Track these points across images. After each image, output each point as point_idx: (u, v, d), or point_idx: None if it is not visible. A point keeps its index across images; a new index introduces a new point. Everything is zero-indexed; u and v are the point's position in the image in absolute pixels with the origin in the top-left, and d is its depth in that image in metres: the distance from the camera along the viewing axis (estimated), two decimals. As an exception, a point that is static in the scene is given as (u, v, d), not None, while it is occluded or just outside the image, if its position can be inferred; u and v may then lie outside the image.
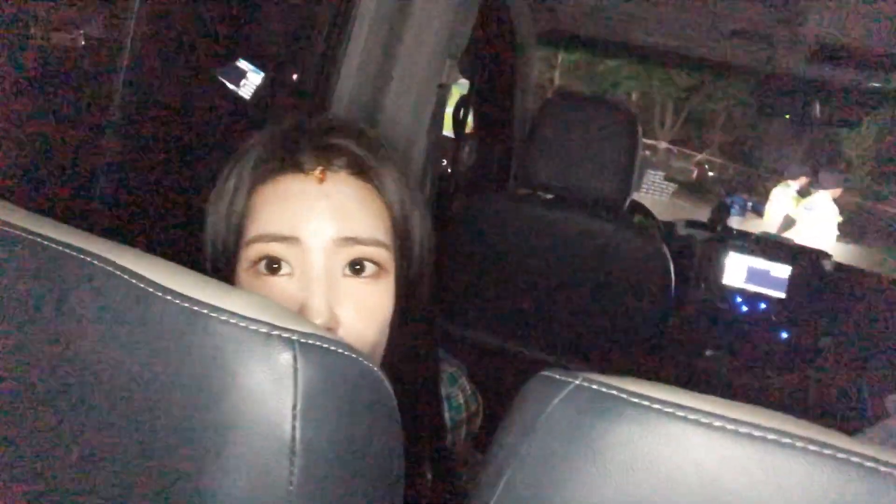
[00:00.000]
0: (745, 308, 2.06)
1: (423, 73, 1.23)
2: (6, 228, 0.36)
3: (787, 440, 0.27)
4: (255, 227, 0.56)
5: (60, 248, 0.35)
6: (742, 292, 2.06)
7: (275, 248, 0.55)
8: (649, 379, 0.31)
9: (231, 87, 1.37)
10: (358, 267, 0.56)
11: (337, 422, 0.33)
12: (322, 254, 0.55)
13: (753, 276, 2.08)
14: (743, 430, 0.28)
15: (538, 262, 1.37)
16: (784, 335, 2.03)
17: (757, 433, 0.28)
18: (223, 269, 0.59)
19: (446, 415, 0.72)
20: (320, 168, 0.57)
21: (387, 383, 0.36)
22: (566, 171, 1.33)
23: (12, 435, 0.35)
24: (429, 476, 0.65)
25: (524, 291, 1.40)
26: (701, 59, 2.07)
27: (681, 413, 0.29)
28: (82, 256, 0.34)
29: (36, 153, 0.81)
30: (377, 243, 0.57)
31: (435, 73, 1.26)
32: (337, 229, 0.55)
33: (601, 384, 0.30)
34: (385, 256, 0.58)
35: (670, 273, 1.30)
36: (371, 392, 0.35)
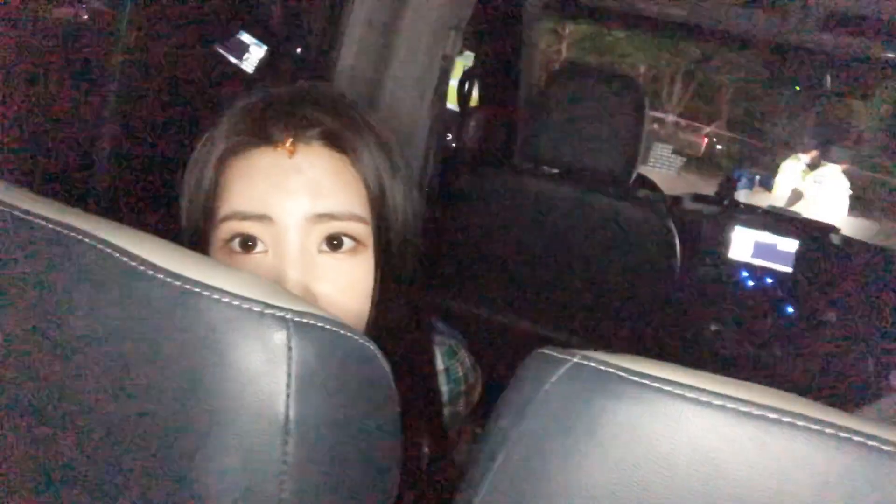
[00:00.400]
0: (751, 282, 2.05)
1: (426, 45, 1.21)
2: None
3: (788, 419, 0.27)
4: (227, 205, 0.55)
5: (44, 223, 0.34)
6: (748, 266, 2.04)
7: (247, 227, 0.54)
8: (654, 354, 0.30)
9: (233, 60, 1.35)
10: (336, 242, 0.55)
11: (331, 400, 0.32)
12: (297, 231, 0.53)
13: (760, 250, 2.06)
14: (743, 408, 0.27)
15: (542, 236, 1.36)
16: (790, 310, 2.02)
17: (757, 412, 0.27)
18: (199, 246, 0.58)
19: (444, 388, 0.71)
20: (290, 140, 0.54)
21: (382, 360, 0.36)
22: (571, 144, 1.31)
23: (3, 413, 0.35)
24: (425, 450, 0.64)
25: (528, 266, 1.40)
26: (711, 30, 2.03)
27: (679, 391, 0.28)
28: (67, 232, 0.33)
29: (35, 129, 0.81)
30: (353, 218, 0.55)
31: (439, 45, 1.24)
32: (311, 206, 0.54)
33: (599, 362, 0.30)
34: (362, 230, 0.56)
35: (675, 247, 1.29)
36: (366, 369, 0.35)
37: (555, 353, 0.31)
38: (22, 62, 0.72)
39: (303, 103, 0.57)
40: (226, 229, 0.55)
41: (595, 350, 0.31)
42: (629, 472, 0.28)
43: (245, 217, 0.54)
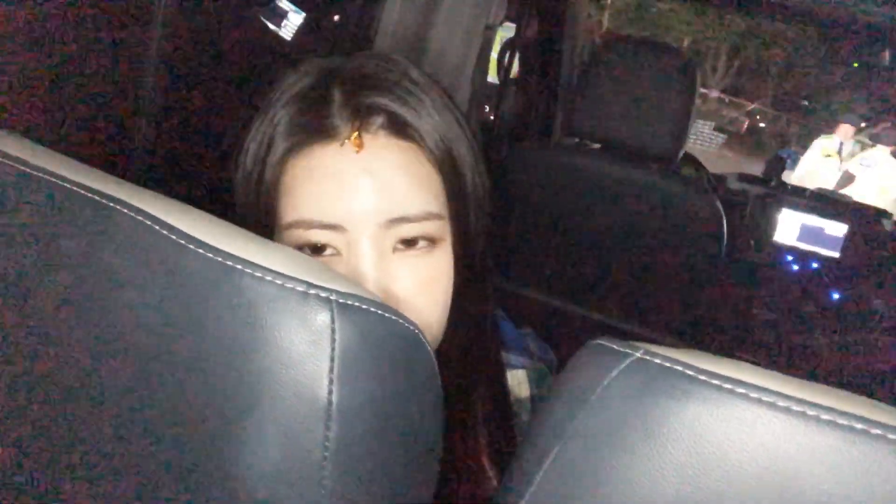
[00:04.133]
0: (795, 267, 1.99)
1: (469, 13, 1.17)
2: (26, 169, 0.35)
3: (877, 430, 0.24)
4: (292, 211, 0.51)
5: (85, 192, 0.33)
6: (794, 250, 1.98)
7: (316, 235, 0.51)
8: (694, 338, 0.28)
9: (272, 27, 1.33)
10: (411, 240, 0.52)
11: (375, 385, 0.31)
12: (370, 241, 0.50)
13: (807, 233, 1.99)
14: (825, 416, 0.25)
15: (583, 213, 1.33)
16: (835, 296, 1.96)
17: (841, 420, 0.25)
18: None
19: (526, 417, 0.65)
20: (356, 134, 0.50)
21: (427, 344, 0.34)
22: (617, 119, 1.27)
23: (40, 386, 0.34)
24: (494, 483, 0.58)
25: (567, 244, 1.37)
26: (760, 2, 1.94)
27: (755, 395, 0.26)
28: (109, 203, 0.32)
29: (71, 97, 0.80)
30: (429, 217, 0.52)
31: (481, 15, 1.21)
32: (385, 212, 0.50)
33: (665, 358, 0.28)
34: (438, 227, 0.52)
35: (723, 229, 1.25)
36: (410, 353, 0.33)
37: (615, 346, 0.29)
38: (55, 38, 0.71)
39: (365, 86, 0.52)
40: (293, 237, 0.51)
41: (630, 328, 0.29)
42: (694, 479, 0.26)
43: (313, 226, 0.50)
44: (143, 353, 0.31)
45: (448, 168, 0.53)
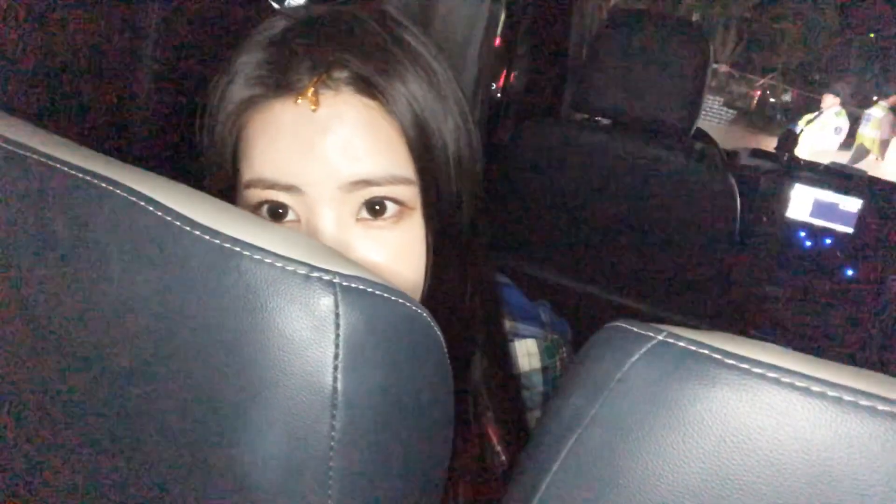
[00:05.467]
0: (809, 243, 1.96)
1: (474, -13, 1.14)
2: (14, 149, 0.33)
3: (921, 417, 0.23)
4: (249, 170, 0.48)
5: (75, 172, 0.31)
6: (807, 226, 1.95)
7: (274, 195, 0.48)
8: (707, 316, 0.26)
9: (275, 6, 1.31)
10: (377, 208, 0.48)
11: (382, 372, 0.29)
12: (330, 203, 0.47)
13: (820, 209, 1.96)
14: (864, 401, 0.23)
15: (594, 190, 1.30)
16: (849, 272, 1.93)
17: (882, 406, 0.23)
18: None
19: (540, 388, 0.63)
20: (311, 91, 0.46)
21: (436, 328, 0.32)
22: (628, 94, 1.24)
23: (39, 374, 0.33)
24: (502, 458, 0.56)
25: (578, 222, 1.34)
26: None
27: (787, 379, 0.24)
28: (102, 184, 0.30)
29: (70, 78, 0.78)
30: (395, 180, 0.48)
31: (487, -13, 1.17)
32: (344, 173, 0.46)
33: (690, 341, 0.26)
34: (407, 192, 0.49)
35: (736, 205, 1.22)
36: (419, 338, 0.32)
37: (636, 329, 0.28)
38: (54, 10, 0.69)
39: (328, 38, 0.48)
40: (251, 196, 0.48)
41: (642, 308, 0.27)
42: (721, 468, 0.25)
43: (270, 185, 0.47)
44: (140, 340, 0.30)
45: (417, 132, 0.49)
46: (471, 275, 0.56)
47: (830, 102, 5.49)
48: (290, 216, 0.48)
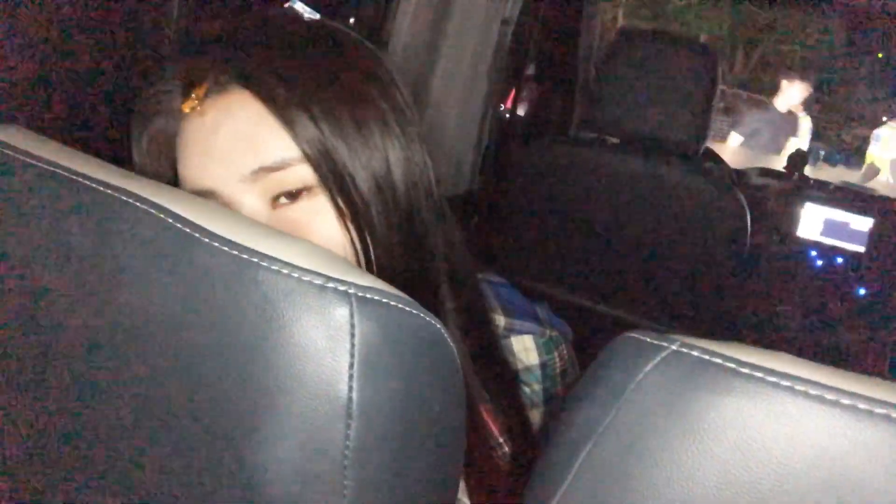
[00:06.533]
0: (819, 262, 1.95)
1: (484, 10, 1.16)
2: (32, 161, 0.34)
3: (936, 425, 0.23)
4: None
5: (93, 184, 0.32)
6: (817, 245, 1.94)
7: None
8: (719, 335, 0.27)
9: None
10: (292, 190, 0.49)
11: (396, 382, 0.30)
12: (240, 197, 0.48)
13: (831, 228, 1.95)
14: (879, 409, 0.23)
15: (603, 209, 1.30)
16: (861, 292, 1.92)
17: (896, 415, 0.23)
18: None
19: (538, 386, 0.63)
20: (193, 94, 0.49)
21: (449, 340, 0.33)
22: (637, 114, 1.25)
23: (55, 383, 0.34)
24: (505, 450, 0.58)
25: (587, 240, 1.35)
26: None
27: (801, 388, 0.24)
28: (122, 197, 0.31)
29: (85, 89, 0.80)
30: (293, 162, 0.48)
31: (497, 9, 1.19)
32: (240, 165, 0.48)
33: (704, 350, 0.26)
34: (304, 172, 0.48)
35: (747, 225, 1.22)
36: (432, 349, 0.32)
37: (649, 339, 0.28)
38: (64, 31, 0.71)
39: (200, 51, 0.51)
40: None
41: (654, 326, 0.27)
42: (736, 477, 0.25)
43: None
44: (156, 349, 0.30)
45: (300, 113, 0.48)
46: (439, 239, 0.55)
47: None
48: None
